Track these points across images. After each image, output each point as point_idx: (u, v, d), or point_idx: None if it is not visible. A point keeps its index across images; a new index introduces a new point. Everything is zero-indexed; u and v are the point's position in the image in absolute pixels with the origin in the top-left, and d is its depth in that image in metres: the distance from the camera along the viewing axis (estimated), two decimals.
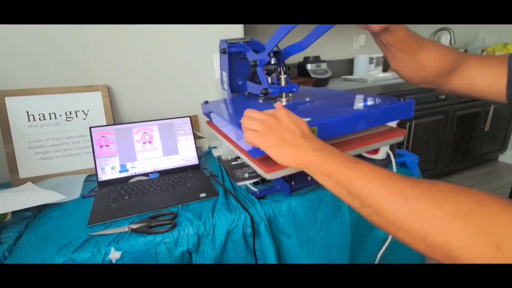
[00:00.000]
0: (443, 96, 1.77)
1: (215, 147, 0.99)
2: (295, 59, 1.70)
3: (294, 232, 0.63)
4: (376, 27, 0.46)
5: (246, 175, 0.75)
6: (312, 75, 1.59)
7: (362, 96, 0.67)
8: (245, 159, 0.59)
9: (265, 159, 0.54)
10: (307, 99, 0.69)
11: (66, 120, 0.89)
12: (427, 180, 0.29)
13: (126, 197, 0.68)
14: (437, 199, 0.27)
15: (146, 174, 0.81)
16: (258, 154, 0.50)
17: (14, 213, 0.65)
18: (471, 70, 0.49)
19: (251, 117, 0.45)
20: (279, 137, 0.41)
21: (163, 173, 0.82)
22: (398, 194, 0.29)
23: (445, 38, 2.14)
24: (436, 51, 0.50)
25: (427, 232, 0.26)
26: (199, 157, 0.87)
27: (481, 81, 0.48)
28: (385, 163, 0.72)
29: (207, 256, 0.58)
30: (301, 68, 1.67)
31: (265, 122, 0.43)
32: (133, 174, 0.80)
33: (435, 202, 0.27)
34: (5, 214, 0.62)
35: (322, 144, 0.39)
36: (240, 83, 0.89)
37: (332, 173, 0.35)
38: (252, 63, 0.70)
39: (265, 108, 0.68)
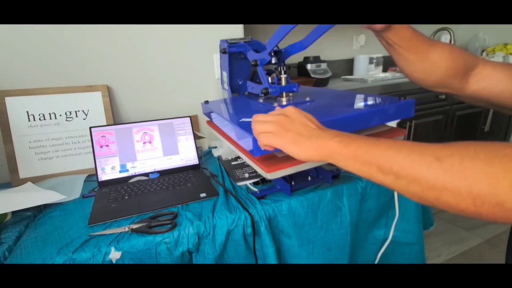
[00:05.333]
0: (443, 96, 1.77)
1: (215, 147, 0.99)
2: (295, 59, 1.70)
3: (294, 232, 0.63)
4: (378, 25, 0.46)
5: (246, 175, 0.75)
6: (312, 75, 1.59)
7: (362, 96, 0.67)
8: (245, 159, 0.59)
9: (266, 159, 0.54)
10: (307, 99, 0.69)
11: (66, 120, 0.89)
12: (449, 142, 0.30)
13: (126, 197, 0.68)
14: (469, 151, 0.27)
15: (146, 174, 0.81)
16: (259, 154, 0.49)
17: (14, 213, 0.65)
18: (489, 72, 0.48)
19: (261, 121, 0.44)
20: (295, 132, 0.40)
21: (163, 173, 0.82)
22: (430, 156, 0.29)
23: (445, 38, 2.14)
24: (449, 51, 0.49)
25: (471, 183, 0.26)
26: (199, 157, 0.87)
27: (503, 83, 0.46)
28: None
29: (207, 256, 0.58)
30: (301, 68, 1.66)
31: (276, 122, 0.42)
32: (133, 174, 0.80)
33: (468, 154, 0.27)
34: (5, 214, 0.62)
35: (338, 132, 0.39)
36: (240, 83, 0.89)
37: (358, 154, 0.35)
38: (252, 63, 0.70)
39: (266, 107, 0.68)
